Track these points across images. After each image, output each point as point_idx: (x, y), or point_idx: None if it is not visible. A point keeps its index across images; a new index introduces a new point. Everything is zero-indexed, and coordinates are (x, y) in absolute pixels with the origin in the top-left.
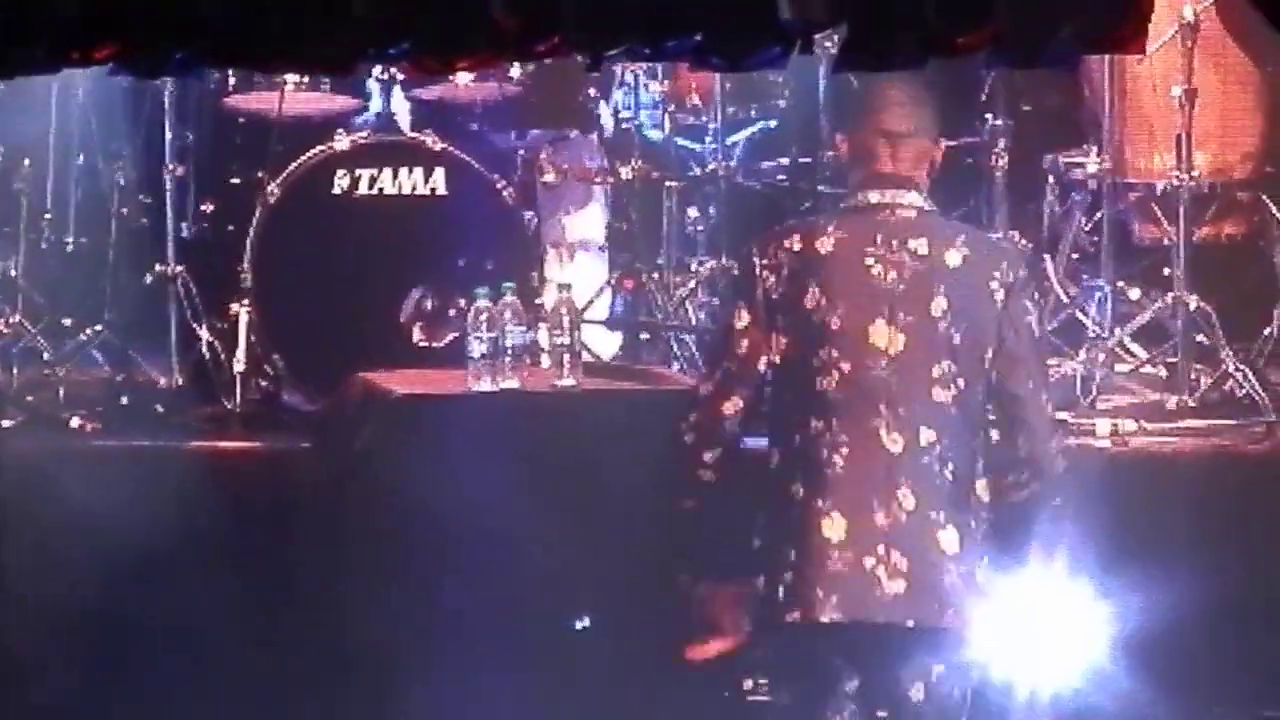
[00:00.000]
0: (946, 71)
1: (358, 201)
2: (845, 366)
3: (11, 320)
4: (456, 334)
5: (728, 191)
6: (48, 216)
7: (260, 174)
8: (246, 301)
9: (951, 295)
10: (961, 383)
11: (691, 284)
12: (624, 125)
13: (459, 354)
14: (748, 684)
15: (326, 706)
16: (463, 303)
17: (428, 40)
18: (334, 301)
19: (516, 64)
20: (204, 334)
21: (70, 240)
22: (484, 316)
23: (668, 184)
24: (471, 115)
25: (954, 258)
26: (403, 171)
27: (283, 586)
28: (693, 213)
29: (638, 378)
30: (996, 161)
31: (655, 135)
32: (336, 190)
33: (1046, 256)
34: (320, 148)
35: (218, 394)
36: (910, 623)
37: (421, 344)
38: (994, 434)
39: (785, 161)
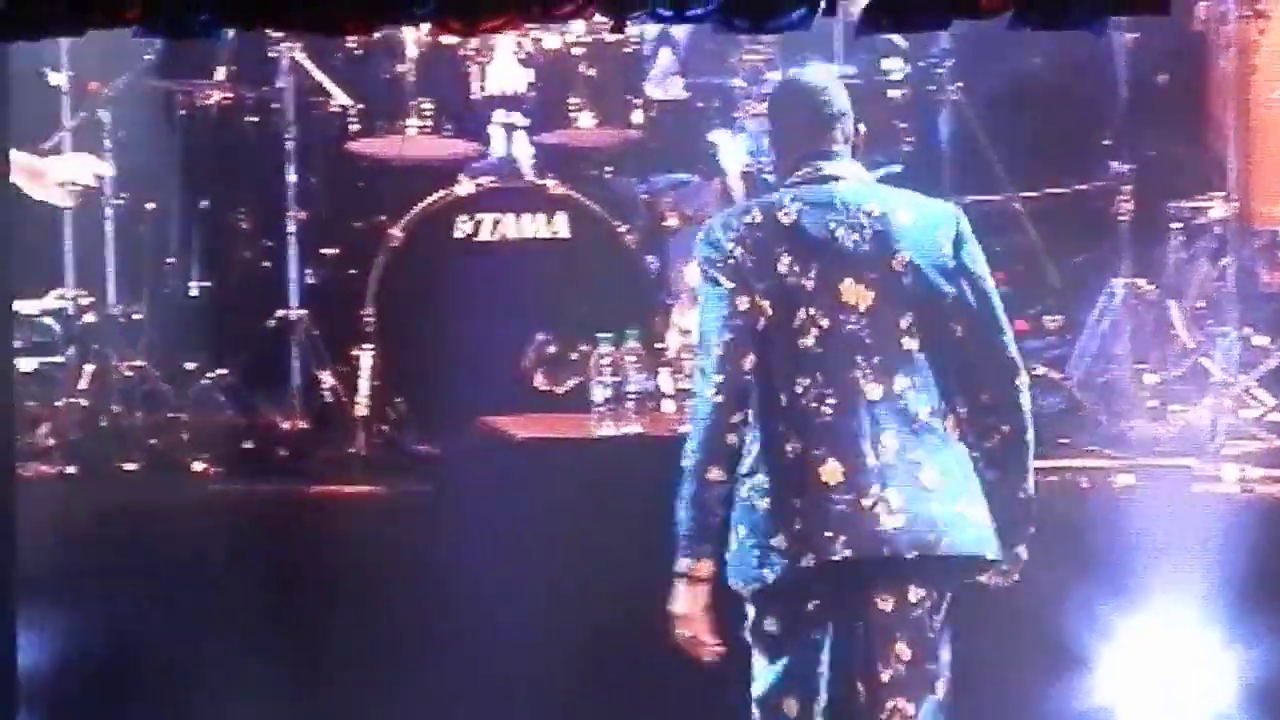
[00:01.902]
0: (1070, 116)
1: (480, 246)
2: (824, 323)
3: (135, 364)
4: (579, 379)
5: None
6: (172, 261)
7: (382, 218)
8: (368, 346)
9: (908, 251)
10: (925, 333)
11: None
12: (745, 170)
13: (581, 399)
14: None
15: None
16: (585, 348)
17: (451, 2)
18: (456, 346)
19: (640, 110)
20: (326, 378)
21: (193, 285)
22: (607, 361)
23: None
24: (594, 160)
25: (904, 217)
26: (525, 216)
27: (406, 629)
28: None
29: None
30: (1120, 207)
31: (776, 180)
32: (459, 234)
33: (1171, 303)
34: (442, 192)
35: (340, 438)
36: (912, 553)
37: (543, 389)
38: (960, 380)
39: None
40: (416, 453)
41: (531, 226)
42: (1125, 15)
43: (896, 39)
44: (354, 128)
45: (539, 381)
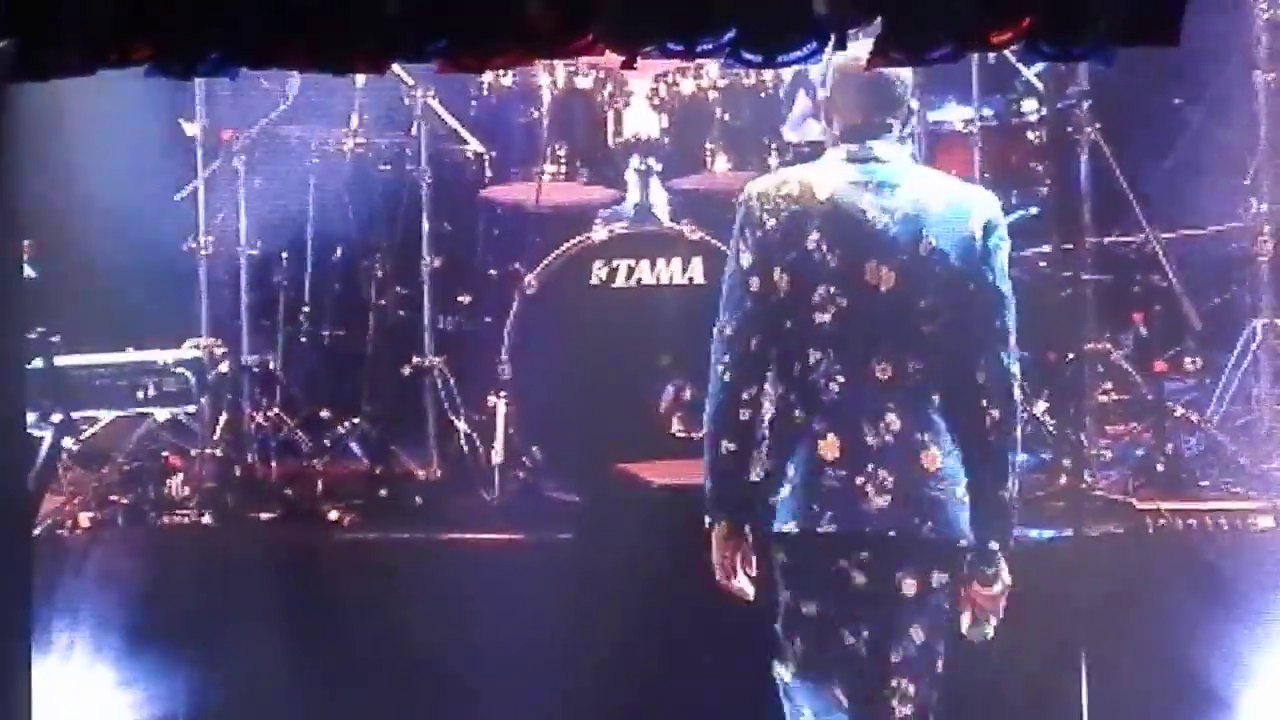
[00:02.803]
0: (1209, 156)
1: (615, 292)
2: (842, 302)
3: (270, 413)
4: None
5: None
6: (306, 309)
7: (517, 265)
8: (504, 393)
9: (937, 237)
10: (945, 317)
11: None
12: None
13: None
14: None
15: None
16: None
17: (462, 39)
18: (592, 392)
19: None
20: (462, 426)
21: (328, 333)
22: None
23: None
24: (730, 205)
25: (938, 203)
26: (660, 262)
27: (545, 676)
28: None
29: None
30: (1261, 247)
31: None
32: (594, 281)
33: None
34: (578, 239)
35: (476, 486)
36: (892, 533)
37: (680, 434)
38: (967, 364)
39: (1047, 249)
40: (553, 500)
41: (667, 272)
42: (1135, 46)
43: (1034, 81)
44: (488, 174)
45: (675, 427)
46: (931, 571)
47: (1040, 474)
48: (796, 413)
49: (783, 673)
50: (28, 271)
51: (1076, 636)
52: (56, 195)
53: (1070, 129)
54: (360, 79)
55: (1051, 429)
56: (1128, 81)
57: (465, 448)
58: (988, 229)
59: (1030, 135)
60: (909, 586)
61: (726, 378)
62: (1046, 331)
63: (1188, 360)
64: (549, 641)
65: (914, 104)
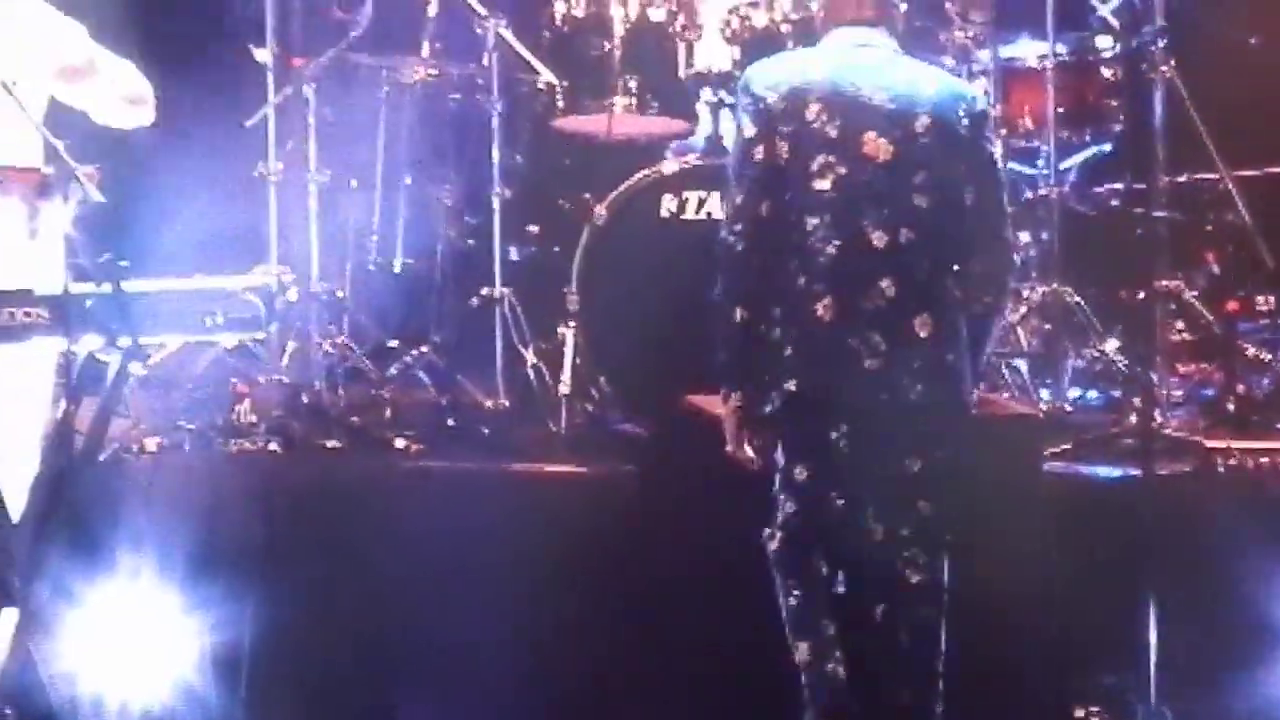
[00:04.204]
0: None
1: (684, 225)
2: (841, 170)
3: (338, 341)
4: None
5: (1060, 216)
6: (375, 238)
7: (587, 196)
8: (572, 324)
9: (930, 116)
10: (938, 193)
11: (1023, 309)
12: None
13: None
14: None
15: None
16: None
17: None
18: (660, 324)
19: None
20: (529, 356)
21: (397, 262)
22: None
23: None
24: None
25: (929, 89)
26: None
27: (607, 609)
28: (1024, 237)
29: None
30: None
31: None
32: (664, 213)
33: None
34: (648, 171)
35: (543, 416)
36: (884, 395)
37: None
38: (960, 246)
39: (1119, 186)
40: (620, 431)
41: None
42: None
43: (1109, 18)
44: (560, 105)
45: None
46: (932, 439)
47: (1110, 412)
48: (799, 279)
49: (769, 541)
50: (97, 195)
51: (1145, 576)
52: None
53: (1145, 66)
54: (432, 7)
55: (1122, 367)
56: (1203, 19)
57: (532, 378)
58: (976, 120)
59: (1104, 72)
60: (913, 462)
61: (739, 246)
62: (1118, 269)
63: (1260, 300)
64: (612, 573)
65: (902, 5)
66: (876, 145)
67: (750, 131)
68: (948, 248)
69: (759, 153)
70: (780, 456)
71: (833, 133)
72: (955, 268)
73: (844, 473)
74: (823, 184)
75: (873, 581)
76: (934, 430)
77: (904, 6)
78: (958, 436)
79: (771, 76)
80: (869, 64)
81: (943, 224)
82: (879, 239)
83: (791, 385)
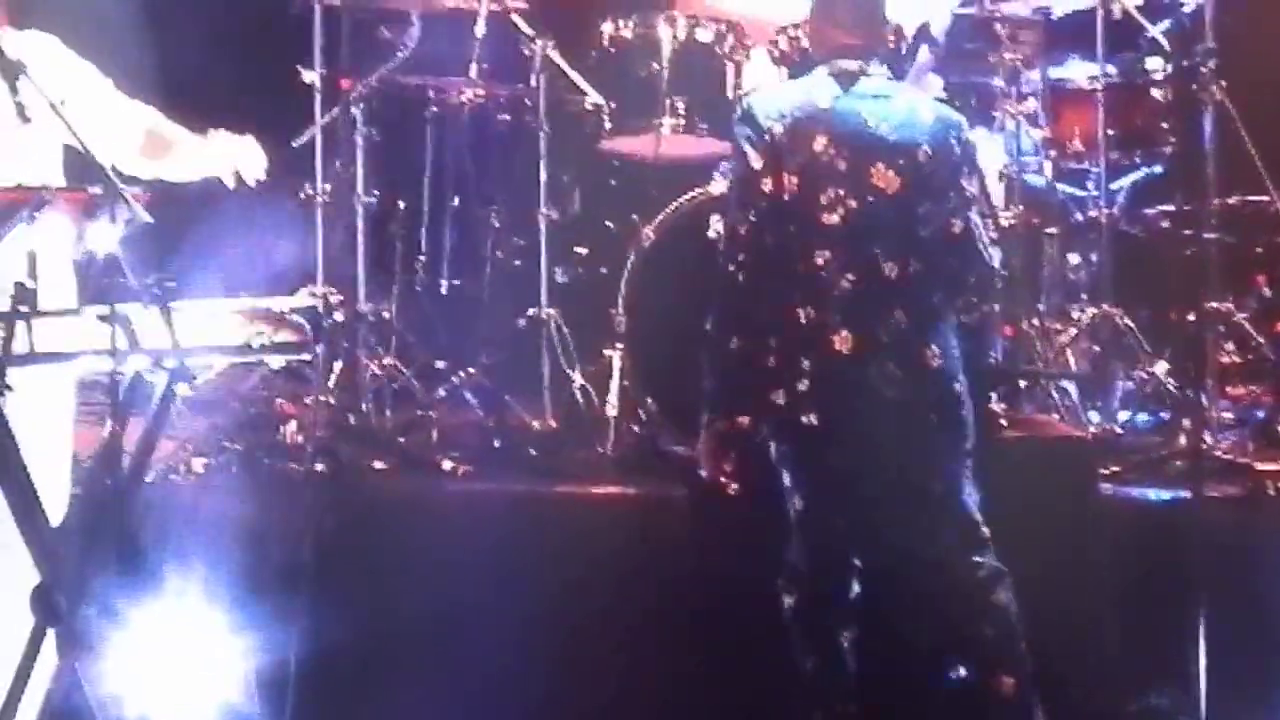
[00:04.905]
0: None
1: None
2: (851, 204)
3: (385, 362)
4: None
5: (1110, 238)
6: (422, 259)
7: (634, 217)
8: (619, 345)
9: (930, 146)
10: (939, 220)
11: (1072, 331)
12: (1005, 171)
13: None
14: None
15: None
16: None
17: None
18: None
19: None
20: (577, 378)
21: (444, 282)
22: None
23: (1048, 230)
24: None
25: (926, 115)
26: None
27: (653, 632)
28: (1074, 259)
29: (1018, 427)
30: None
31: (1036, 181)
32: (712, 234)
33: None
34: (696, 191)
35: (591, 438)
36: (904, 427)
37: None
38: (957, 267)
39: (1170, 208)
40: (668, 453)
41: None
42: None
43: (1160, 39)
44: (607, 126)
45: None
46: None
47: (1160, 434)
48: (806, 310)
49: (786, 599)
50: (144, 216)
51: (1195, 598)
52: None
53: (1195, 87)
54: (480, 29)
55: (1172, 389)
56: (1254, 40)
57: (579, 400)
58: (964, 146)
59: (1155, 93)
60: (935, 487)
61: (741, 276)
62: (1169, 291)
63: None
64: (662, 596)
65: (900, 26)
66: (886, 177)
67: (758, 163)
68: (947, 276)
69: (767, 184)
70: (793, 494)
71: (842, 165)
72: (957, 298)
73: (859, 502)
74: (832, 218)
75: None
76: (948, 456)
77: (891, 27)
78: (965, 461)
79: (775, 107)
80: (869, 93)
81: (941, 253)
82: (890, 270)
83: (812, 419)
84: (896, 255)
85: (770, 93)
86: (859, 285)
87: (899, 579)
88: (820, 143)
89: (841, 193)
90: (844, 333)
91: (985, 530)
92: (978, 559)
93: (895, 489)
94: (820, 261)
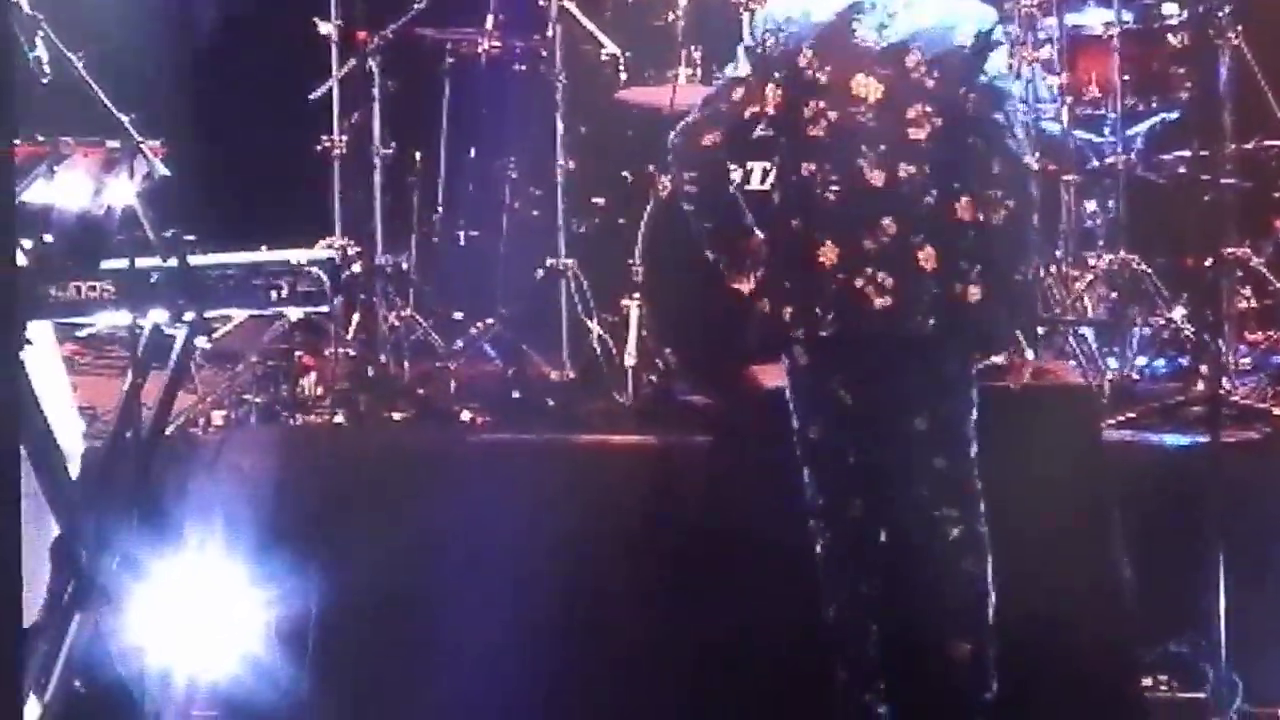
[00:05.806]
0: None
1: (750, 194)
2: (832, 115)
3: (403, 314)
4: None
5: (1127, 184)
6: (439, 210)
7: (651, 168)
8: (637, 296)
9: (924, 50)
10: (938, 121)
11: (1089, 278)
12: (1021, 118)
13: None
14: None
15: (700, 700)
16: None
17: None
18: (725, 296)
19: None
20: (595, 328)
21: (462, 234)
22: None
23: (1065, 177)
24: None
25: (927, 20)
26: None
27: (673, 581)
28: (1091, 206)
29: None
30: None
31: (1053, 128)
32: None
33: None
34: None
35: (609, 388)
36: (896, 332)
37: None
38: (976, 159)
39: (1187, 154)
40: (687, 402)
41: None
42: None
43: None
44: (623, 76)
45: None
46: (937, 402)
47: (1178, 380)
48: (795, 222)
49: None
50: (162, 170)
51: (1213, 543)
52: (192, 93)
53: (1212, 33)
54: None
55: (1190, 335)
56: None
57: (598, 350)
58: (978, 37)
59: (1171, 39)
60: (920, 422)
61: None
62: (1185, 237)
63: None
64: (681, 544)
65: None
66: (865, 86)
67: (743, 70)
68: (956, 175)
69: (738, 92)
70: (793, 415)
71: (823, 79)
72: (966, 195)
73: (854, 430)
74: (815, 130)
75: (910, 540)
76: (946, 375)
77: None
78: (969, 382)
79: (777, 15)
80: (873, 5)
81: (947, 153)
82: (876, 178)
83: (800, 334)
84: (884, 162)
85: (774, 7)
86: (844, 195)
87: (887, 528)
88: (805, 56)
89: (822, 105)
90: (828, 244)
91: (972, 488)
92: (950, 517)
93: (879, 423)
94: (806, 173)
